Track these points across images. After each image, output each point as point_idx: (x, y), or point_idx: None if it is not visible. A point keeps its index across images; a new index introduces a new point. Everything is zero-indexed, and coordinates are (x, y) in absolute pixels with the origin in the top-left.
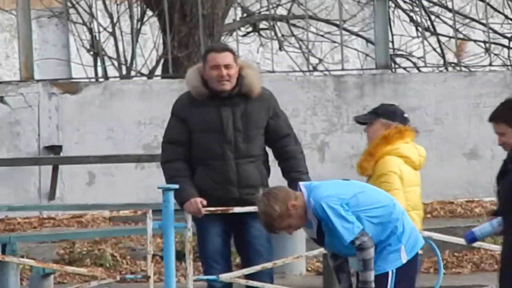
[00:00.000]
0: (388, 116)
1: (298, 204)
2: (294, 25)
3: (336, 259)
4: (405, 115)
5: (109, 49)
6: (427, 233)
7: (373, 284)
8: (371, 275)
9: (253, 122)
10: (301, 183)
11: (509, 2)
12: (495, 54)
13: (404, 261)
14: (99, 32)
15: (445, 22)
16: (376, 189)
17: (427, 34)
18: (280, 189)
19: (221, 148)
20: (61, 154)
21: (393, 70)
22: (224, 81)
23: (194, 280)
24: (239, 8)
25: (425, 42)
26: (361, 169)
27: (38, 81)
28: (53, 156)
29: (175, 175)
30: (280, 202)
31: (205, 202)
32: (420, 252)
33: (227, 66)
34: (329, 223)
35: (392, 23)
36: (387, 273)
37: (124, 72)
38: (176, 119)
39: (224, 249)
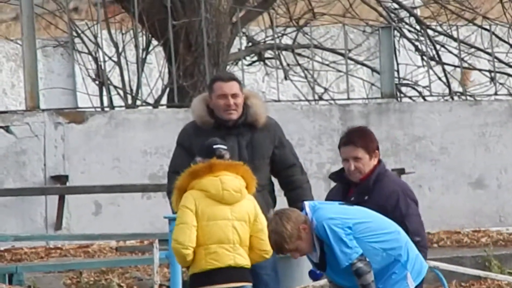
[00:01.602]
0: (198, 153)
1: (308, 227)
2: (299, 54)
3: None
4: (215, 146)
5: (115, 78)
6: (433, 263)
7: None
8: None
9: (258, 151)
10: (306, 203)
11: None
12: (501, 83)
13: None
14: (105, 62)
15: (450, 52)
16: (381, 216)
17: (433, 63)
18: (292, 210)
19: None
20: (67, 184)
21: (399, 99)
22: (231, 110)
23: None
24: (244, 38)
25: (431, 71)
26: (173, 204)
27: (43, 110)
28: (59, 186)
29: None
30: (292, 223)
31: None
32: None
33: (234, 96)
34: (331, 243)
35: (397, 52)
36: None
37: (129, 101)
38: (182, 148)
39: None
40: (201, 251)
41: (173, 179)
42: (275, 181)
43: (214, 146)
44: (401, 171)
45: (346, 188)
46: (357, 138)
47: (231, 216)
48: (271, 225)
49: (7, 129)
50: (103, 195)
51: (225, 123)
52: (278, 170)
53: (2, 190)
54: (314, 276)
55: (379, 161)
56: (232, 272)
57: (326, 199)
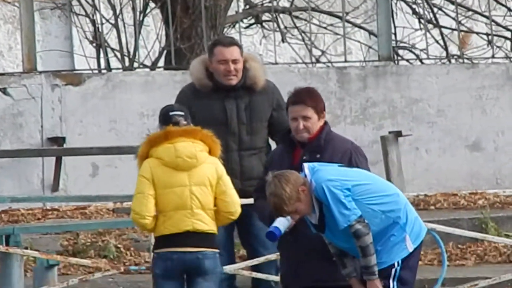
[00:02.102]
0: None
1: (307, 189)
2: (296, 17)
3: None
4: (171, 113)
5: (112, 40)
6: (430, 225)
7: (375, 268)
8: (372, 260)
9: (257, 114)
10: (305, 164)
11: None
12: (498, 47)
13: (410, 250)
14: (102, 24)
15: (447, 15)
16: (381, 179)
17: (430, 26)
18: (291, 172)
19: (225, 140)
20: (64, 146)
21: (396, 62)
22: (231, 76)
23: None
24: (241, 0)
25: (428, 34)
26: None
27: (40, 72)
28: (56, 147)
29: None
30: (291, 185)
31: None
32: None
33: (234, 61)
34: (330, 205)
35: (394, 15)
36: (393, 264)
37: (126, 63)
38: None
39: (227, 241)
40: (160, 217)
41: None
42: (272, 143)
43: (170, 113)
44: (398, 134)
45: (291, 149)
46: (307, 97)
47: (188, 182)
48: (270, 187)
49: (4, 91)
50: (100, 156)
51: (224, 86)
52: (275, 132)
53: None
54: (272, 237)
55: (325, 122)
56: (189, 237)
57: (270, 162)
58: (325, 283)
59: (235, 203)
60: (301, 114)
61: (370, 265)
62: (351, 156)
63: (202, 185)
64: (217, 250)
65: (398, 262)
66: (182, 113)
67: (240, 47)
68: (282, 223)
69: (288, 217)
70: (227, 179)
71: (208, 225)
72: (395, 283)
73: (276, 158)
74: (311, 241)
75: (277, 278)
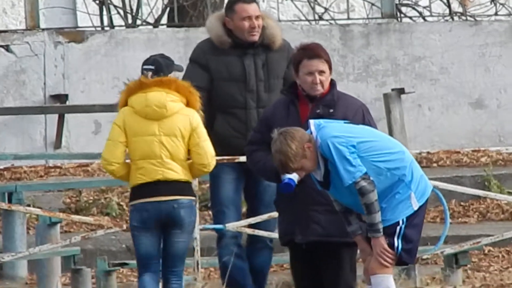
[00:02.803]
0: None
1: (312, 146)
2: None
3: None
4: (143, 66)
5: None
6: (433, 183)
7: (380, 225)
8: (376, 217)
9: (274, 71)
10: (311, 121)
11: None
12: (501, 4)
13: (415, 208)
14: None
15: None
16: (387, 136)
17: None
18: (297, 129)
19: (243, 97)
20: (67, 103)
21: (399, 19)
22: (255, 32)
23: (201, 229)
24: None
25: None
26: None
27: (43, 29)
28: (59, 105)
29: None
30: (296, 142)
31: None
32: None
33: (257, 17)
34: (335, 161)
35: None
36: (398, 222)
37: (129, 21)
38: (197, 65)
39: (235, 196)
40: (132, 166)
41: None
42: None
43: (143, 66)
44: (401, 91)
45: (296, 103)
46: (322, 52)
47: (158, 131)
48: (276, 144)
49: (7, 48)
50: (102, 114)
51: (243, 43)
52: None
53: (1, 109)
54: (288, 188)
55: (332, 79)
56: (160, 186)
57: (272, 116)
58: (333, 237)
59: (208, 156)
60: (319, 69)
61: (375, 223)
62: (364, 114)
63: (173, 135)
64: (193, 198)
65: (403, 220)
66: (152, 67)
67: (258, 3)
68: (293, 175)
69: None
70: (201, 131)
71: (180, 173)
72: (399, 241)
73: (279, 112)
74: (319, 193)
75: (273, 235)
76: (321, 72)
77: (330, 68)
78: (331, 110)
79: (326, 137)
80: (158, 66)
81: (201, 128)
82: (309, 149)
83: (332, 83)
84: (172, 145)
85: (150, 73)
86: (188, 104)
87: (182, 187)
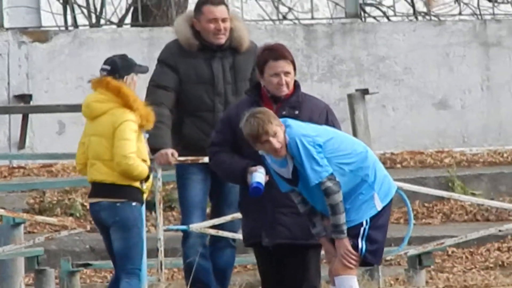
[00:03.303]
0: None
1: (283, 129)
2: None
3: (306, 204)
4: (103, 66)
5: None
6: (397, 184)
7: (344, 227)
8: (341, 218)
9: (241, 74)
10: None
11: None
12: (465, 3)
13: (379, 208)
14: None
15: None
16: (349, 136)
17: None
18: (266, 110)
19: (211, 100)
20: (31, 103)
21: (363, 19)
22: (220, 35)
23: (164, 230)
24: None
25: None
26: None
27: (7, 29)
28: (22, 105)
29: (157, 119)
30: (270, 117)
31: (176, 155)
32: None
33: (224, 20)
34: (300, 160)
35: None
36: (361, 222)
37: (93, 20)
38: (166, 66)
39: (202, 197)
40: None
41: (155, 93)
42: None
43: (101, 67)
44: (365, 92)
45: (260, 104)
46: (287, 52)
47: (90, 132)
48: (252, 112)
49: None
50: (66, 114)
51: (211, 46)
52: None
53: None
54: (257, 192)
55: (295, 80)
56: (92, 188)
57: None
58: (299, 240)
59: (118, 155)
60: (284, 70)
61: (339, 224)
62: (327, 115)
63: (101, 135)
64: (115, 200)
65: (366, 221)
66: (108, 68)
67: (227, 6)
68: (261, 178)
69: (263, 170)
70: (121, 130)
71: (104, 175)
72: (363, 242)
73: (242, 113)
74: (284, 196)
75: (237, 236)
76: (287, 73)
77: (294, 69)
78: (297, 112)
79: (295, 135)
80: (114, 66)
81: (123, 128)
82: (281, 128)
83: (296, 84)
84: (99, 145)
85: (104, 73)
86: (126, 105)
87: (105, 188)
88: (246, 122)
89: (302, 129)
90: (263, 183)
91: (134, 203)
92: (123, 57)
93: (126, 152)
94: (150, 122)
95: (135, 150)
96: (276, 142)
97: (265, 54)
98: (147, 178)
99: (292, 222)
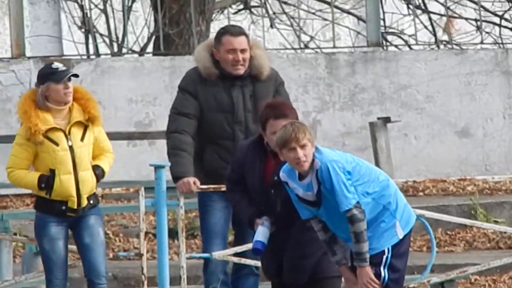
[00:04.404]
0: None
1: (313, 149)
2: (285, 2)
3: (327, 231)
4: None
5: (101, 26)
6: (419, 211)
7: (367, 255)
8: (364, 247)
9: (262, 102)
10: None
11: None
12: (487, 32)
13: (400, 237)
14: (91, 9)
15: (436, 0)
16: (371, 165)
17: (419, 11)
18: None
19: (231, 128)
20: None
21: (385, 48)
22: (239, 65)
23: (187, 258)
24: None
25: (417, 20)
26: None
27: (29, 58)
28: None
29: (179, 147)
30: (307, 131)
31: (198, 183)
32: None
33: (242, 51)
34: (334, 186)
35: (383, 1)
36: (383, 251)
37: (115, 49)
38: (187, 93)
39: (224, 225)
40: None
41: (177, 121)
42: None
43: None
44: (387, 120)
45: (264, 158)
46: (287, 110)
47: None
48: (290, 125)
49: None
50: None
51: (230, 75)
52: None
53: None
54: (258, 253)
55: None
56: None
57: (242, 156)
58: (321, 274)
59: None
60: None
61: (362, 252)
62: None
63: None
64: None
65: (388, 249)
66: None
67: (247, 36)
68: (264, 234)
69: (268, 223)
70: None
71: None
72: (386, 270)
73: (249, 160)
74: (302, 232)
75: (260, 264)
76: None
77: None
78: None
79: (326, 160)
80: (37, 78)
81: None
82: (312, 146)
83: None
84: None
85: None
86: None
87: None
88: (283, 127)
89: (332, 155)
90: (266, 239)
91: (37, 213)
92: (45, 66)
93: (6, 167)
94: (35, 135)
95: (11, 165)
96: (302, 154)
97: (267, 112)
98: (47, 186)
99: (314, 258)
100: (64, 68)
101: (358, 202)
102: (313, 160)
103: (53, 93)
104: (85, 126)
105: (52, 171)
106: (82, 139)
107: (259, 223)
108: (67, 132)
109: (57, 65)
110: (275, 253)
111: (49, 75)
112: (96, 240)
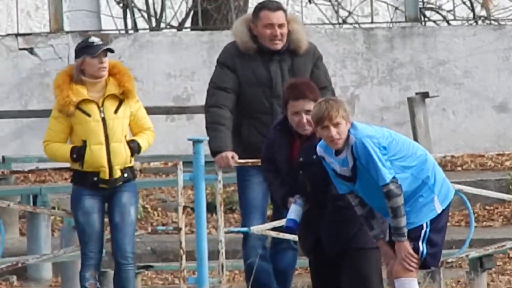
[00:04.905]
0: None
1: (348, 125)
2: None
3: (364, 206)
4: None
5: (139, 1)
6: (457, 186)
7: (405, 230)
8: (402, 221)
9: (300, 76)
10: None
11: None
12: None
13: (438, 211)
14: None
15: None
16: (408, 139)
17: None
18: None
19: (270, 102)
20: None
21: (423, 23)
22: (277, 40)
23: (225, 232)
24: None
25: None
26: None
27: (67, 32)
28: None
29: (218, 121)
30: (341, 109)
31: (236, 157)
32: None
33: (280, 26)
34: (369, 162)
35: None
36: (422, 225)
37: (153, 24)
38: (225, 67)
39: (263, 200)
40: None
41: (216, 95)
42: None
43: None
44: (425, 95)
45: (290, 140)
46: (307, 91)
47: None
48: (325, 102)
49: (31, 51)
50: None
51: (268, 49)
52: None
53: (26, 112)
54: (290, 231)
55: None
56: None
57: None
58: (359, 245)
59: None
60: (304, 108)
61: (400, 226)
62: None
63: None
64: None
65: (426, 224)
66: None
67: (285, 11)
68: (296, 212)
69: (301, 201)
70: None
71: None
72: (424, 245)
73: (277, 141)
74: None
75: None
76: (308, 112)
77: None
78: (314, 157)
79: (361, 136)
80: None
81: None
82: (347, 123)
83: None
84: None
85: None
86: None
87: None
88: (318, 104)
89: (368, 130)
90: (299, 217)
91: (73, 187)
92: (82, 40)
93: (42, 141)
94: (67, 106)
95: (47, 139)
96: (335, 133)
97: (287, 93)
98: (79, 157)
99: (348, 231)
100: (100, 42)
101: (394, 177)
102: (348, 136)
103: (88, 66)
104: (120, 100)
105: (84, 142)
106: (116, 111)
107: (292, 201)
108: (100, 104)
109: (93, 39)
110: (311, 230)
111: (84, 48)
112: (127, 220)
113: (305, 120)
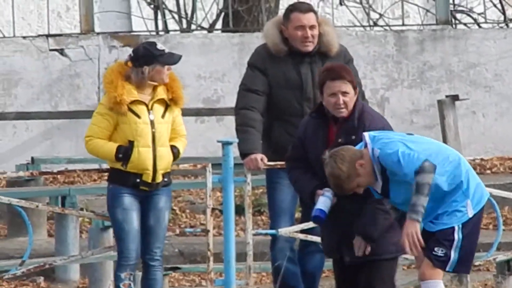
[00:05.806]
0: None
1: (365, 161)
2: None
3: (398, 210)
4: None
5: (170, 2)
6: (486, 189)
7: (422, 210)
8: (421, 200)
9: None
10: (365, 134)
11: None
12: None
13: (470, 215)
14: None
15: None
16: (443, 144)
17: None
18: (346, 149)
19: (300, 105)
20: None
21: (454, 26)
22: (308, 42)
23: (253, 234)
24: None
25: None
26: None
27: (98, 33)
28: None
29: (248, 123)
30: (347, 163)
31: (265, 160)
32: None
33: (311, 27)
34: (391, 169)
35: None
36: (453, 227)
37: (184, 25)
38: (256, 69)
39: (291, 202)
40: None
41: (246, 97)
42: None
43: None
44: (455, 98)
45: (325, 124)
46: (344, 72)
47: None
48: (328, 168)
49: (61, 52)
50: None
51: (299, 52)
52: None
53: (56, 113)
54: (318, 221)
55: (357, 98)
56: None
57: (304, 134)
58: (380, 256)
59: None
60: (341, 90)
61: (418, 204)
62: None
63: None
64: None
65: (459, 229)
66: (131, 53)
67: (316, 13)
68: (325, 204)
69: (330, 194)
70: None
71: None
72: (456, 253)
73: (310, 132)
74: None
75: None
76: (345, 93)
77: (355, 87)
78: (353, 137)
79: (380, 145)
80: (136, 54)
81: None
82: (362, 166)
83: (356, 104)
84: None
85: (127, 59)
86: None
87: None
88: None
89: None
90: (327, 208)
91: (110, 186)
92: (149, 45)
93: (85, 136)
94: (119, 105)
95: (90, 134)
96: (360, 189)
97: (324, 75)
98: (125, 157)
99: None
100: (168, 51)
101: (427, 160)
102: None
103: (156, 73)
104: (166, 105)
105: (131, 143)
106: (163, 116)
107: (320, 193)
108: (149, 107)
109: (161, 46)
110: (336, 228)
111: (158, 56)
112: (160, 225)
113: (341, 101)
